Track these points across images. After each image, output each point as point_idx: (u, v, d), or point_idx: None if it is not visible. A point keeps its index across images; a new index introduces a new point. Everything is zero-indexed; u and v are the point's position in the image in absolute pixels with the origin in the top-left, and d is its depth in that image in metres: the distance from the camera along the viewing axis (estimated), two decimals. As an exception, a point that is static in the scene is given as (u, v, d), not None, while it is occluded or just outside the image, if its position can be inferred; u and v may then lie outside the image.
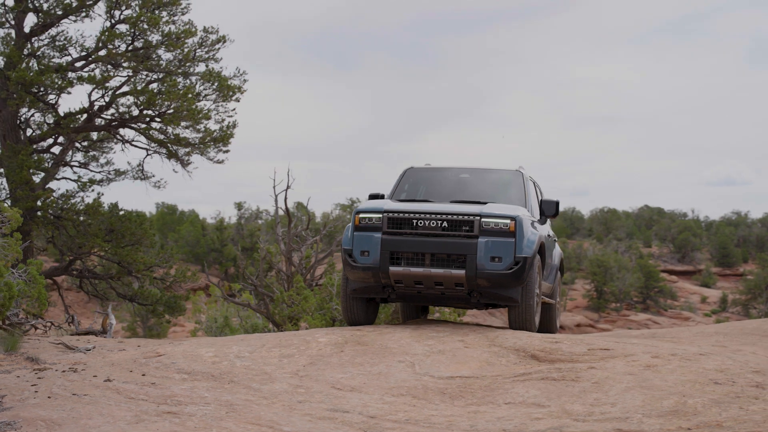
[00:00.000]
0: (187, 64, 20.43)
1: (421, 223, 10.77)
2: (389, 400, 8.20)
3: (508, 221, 10.68)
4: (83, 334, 16.49)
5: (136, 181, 22.31)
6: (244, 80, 20.97)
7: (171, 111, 19.47)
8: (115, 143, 22.03)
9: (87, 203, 20.41)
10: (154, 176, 22.21)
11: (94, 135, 22.40)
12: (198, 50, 20.65)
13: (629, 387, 8.22)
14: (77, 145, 22.22)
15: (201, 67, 20.87)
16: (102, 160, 22.88)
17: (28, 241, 18.55)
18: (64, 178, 22.60)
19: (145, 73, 20.22)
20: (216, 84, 20.37)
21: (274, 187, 23.34)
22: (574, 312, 67.86)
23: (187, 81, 20.44)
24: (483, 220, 10.68)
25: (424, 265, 10.69)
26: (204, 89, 20.50)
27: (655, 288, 76.51)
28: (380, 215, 10.90)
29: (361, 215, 11.01)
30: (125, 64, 19.91)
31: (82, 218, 20.41)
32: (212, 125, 20.70)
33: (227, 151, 21.05)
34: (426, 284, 10.78)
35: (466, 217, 10.71)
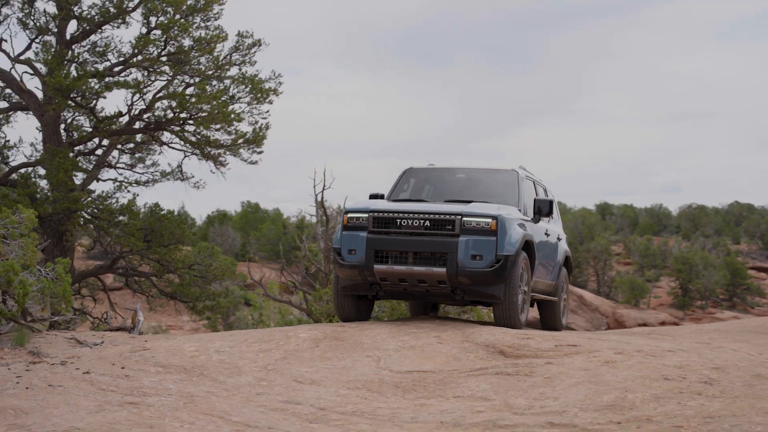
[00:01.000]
0: (225, 68, 21.01)
1: (404, 222, 11.07)
2: (343, 393, 8.53)
3: (489, 220, 10.92)
4: (115, 330, 17.11)
5: (176, 182, 23.00)
6: (279, 83, 21.50)
7: (203, 114, 20.05)
8: (156, 145, 22.69)
9: (122, 204, 21.11)
10: (193, 177, 22.91)
11: (137, 137, 23.12)
12: (234, 54, 21.24)
13: (578, 382, 8.42)
14: (122, 147, 22.96)
15: (236, 71, 21.44)
16: (148, 162, 23.65)
17: (48, 240, 19.29)
18: (110, 179, 23.42)
19: (181, 77, 20.85)
20: (249, 87, 20.89)
21: (314, 186, 23.80)
22: (658, 309, 67.09)
23: (222, 84, 21.01)
24: (464, 219, 10.94)
25: (407, 263, 10.99)
26: (237, 92, 21.07)
27: (742, 285, 75.10)
28: (366, 215, 11.23)
29: (349, 215, 11.36)
30: (160, 69, 20.56)
31: (120, 218, 21.11)
32: (245, 127, 21.23)
33: (261, 152, 21.60)
34: (410, 282, 11.07)
35: (447, 216, 10.98)
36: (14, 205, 18.70)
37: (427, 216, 11.03)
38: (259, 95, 20.97)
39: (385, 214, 11.17)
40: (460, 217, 10.96)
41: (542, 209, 12.33)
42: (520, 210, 12.07)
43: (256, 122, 21.42)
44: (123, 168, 23.27)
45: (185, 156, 22.17)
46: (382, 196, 12.70)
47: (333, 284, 11.95)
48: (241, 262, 53.10)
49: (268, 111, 21.53)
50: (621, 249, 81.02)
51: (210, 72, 20.86)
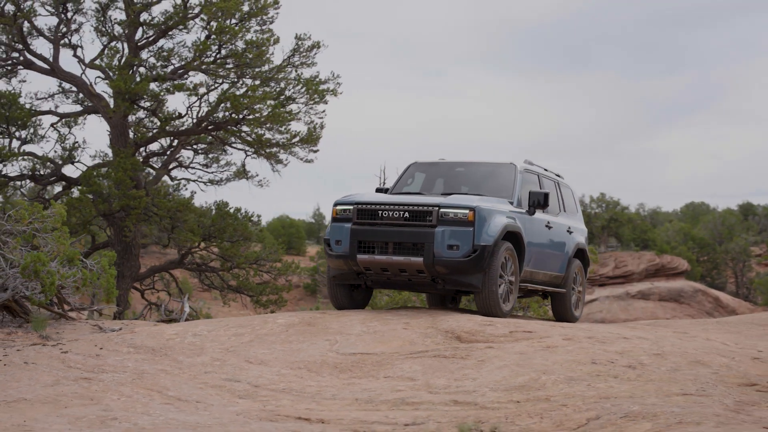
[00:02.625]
0: (286, 69, 21.78)
1: (385, 213, 11.50)
2: (284, 372, 9.04)
3: (466, 211, 11.25)
4: (167, 321, 18.04)
5: (241, 181, 23.93)
6: (338, 83, 22.14)
7: (256, 115, 20.85)
8: (223, 146, 23.61)
9: (178, 201, 22.06)
10: (257, 175, 23.77)
11: (208, 139, 24.11)
12: (294, 57, 21.97)
13: (505, 365, 8.73)
14: (196, 148, 24.00)
15: (303, 73, 22.21)
16: (222, 162, 24.64)
17: (84, 234, 20.35)
18: (184, 178, 24.56)
19: (242, 81, 21.70)
20: (304, 88, 21.59)
21: (383, 183, 24.41)
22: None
23: (279, 86, 21.76)
24: (441, 210, 11.30)
25: (388, 253, 11.42)
26: (294, 93, 21.78)
27: None
28: (351, 207, 11.71)
29: (337, 207, 11.87)
30: (223, 72, 21.44)
31: (187, 216, 22.08)
32: (300, 127, 22.00)
33: (316, 151, 22.27)
34: (392, 271, 11.50)
35: (425, 207, 11.36)
36: (77, 203, 19.90)
37: (406, 207, 11.44)
38: (315, 96, 21.66)
39: (368, 206, 11.62)
40: (437, 208, 11.32)
41: (538, 201, 12.55)
42: (512, 202, 12.33)
43: (312, 122, 22.14)
44: (197, 168, 24.33)
45: (246, 155, 23.08)
46: (386, 190, 13.16)
47: (326, 274, 12.47)
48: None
49: (323, 111, 22.22)
50: (763, 250, 78.84)
51: (270, 74, 21.61)
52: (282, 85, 21.83)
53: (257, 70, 21.26)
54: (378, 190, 13.21)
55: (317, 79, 21.94)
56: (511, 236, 11.98)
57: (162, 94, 21.44)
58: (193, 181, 23.67)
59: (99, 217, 22.09)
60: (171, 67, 22.00)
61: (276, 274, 23.85)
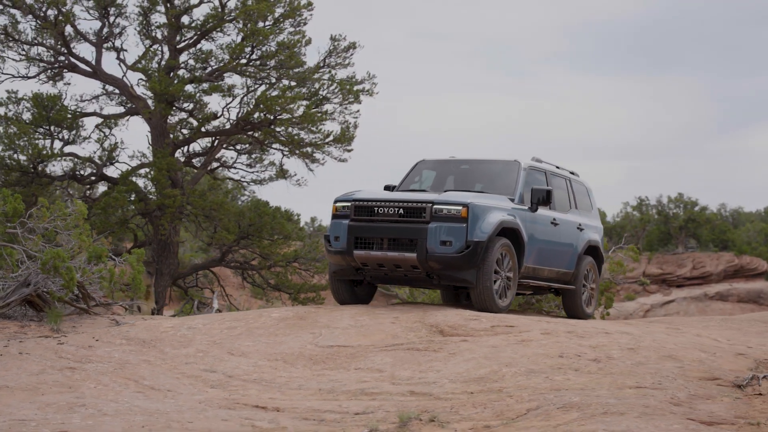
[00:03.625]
0: (320, 71, 22.11)
1: (381, 210, 11.70)
2: (260, 363, 9.29)
3: (459, 207, 11.40)
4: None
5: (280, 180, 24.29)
6: (374, 84, 22.39)
7: (288, 115, 21.18)
8: (263, 146, 24.01)
9: (212, 200, 22.47)
10: (295, 175, 24.12)
11: (246, 139, 24.57)
12: (330, 57, 22.26)
13: (472, 358, 8.88)
14: (240, 148, 24.46)
15: (340, 73, 22.54)
16: (266, 162, 25.04)
17: (108, 231, 20.82)
18: (228, 178, 24.98)
19: (280, 81, 22.08)
20: (338, 88, 21.86)
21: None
22: None
23: (314, 87, 22.07)
24: (435, 206, 11.46)
25: (383, 248, 11.61)
26: (328, 93, 22.07)
27: None
28: (349, 204, 11.93)
29: (337, 204, 12.10)
30: (257, 74, 21.86)
31: (224, 216, 22.53)
32: (334, 126, 22.28)
33: (350, 150, 22.54)
34: (388, 267, 11.69)
35: (420, 204, 11.53)
36: (114, 202, 20.45)
37: (401, 204, 11.62)
38: (349, 96, 21.93)
39: (365, 203, 11.83)
40: (431, 204, 11.48)
41: (540, 198, 12.62)
42: (513, 199, 12.42)
43: (346, 121, 22.42)
44: (240, 168, 24.81)
45: (283, 155, 23.44)
46: (394, 187, 13.35)
47: (328, 269, 12.72)
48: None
49: (358, 111, 22.47)
50: None
51: (305, 75, 21.92)
52: (317, 85, 22.14)
53: (295, 71, 21.60)
54: (386, 188, 13.40)
55: (353, 80, 22.23)
56: (509, 232, 12.07)
57: (198, 95, 21.95)
58: (236, 180, 24.14)
59: (138, 216, 22.66)
60: (209, 69, 22.47)
61: (315, 272, 24.20)
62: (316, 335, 10.22)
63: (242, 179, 24.69)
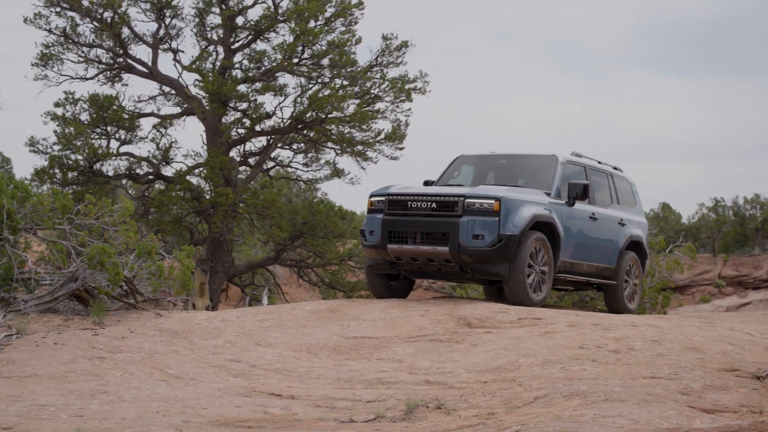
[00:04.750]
0: (375, 69, 22.22)
1: (414, 204, 11.75)
2: (285, 354, 9.41)
3: (492, 201, 11.40)
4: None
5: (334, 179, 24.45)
6: (426, 82, 22.43)
7: (339, 113, 21.31)
8: (310, 145, 24.17)
9: (263, 198, 22.65)
10: (349, 173, 24.22)
11: (302, 138, 24.77)
12: (382, 56, 22.36)
13: (494, 349, 8.89)
14: (296, 148, 24.67)
15: (392, 72, 22.63)
16: (321, 161, 25.22)
17: (155, 229, 21.11)
18: (283, 177, 25.18)
19: (334, 81, 22.26)
20: (389, 86, 21.94)
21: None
22: None
23: (365, 85, 22.18)
24: (467, 200, 11.47)
25: (416, 242, 11.66)
26: (380, 92, 22.16)
27: None
28: (383, 198, 12.00)
29: (372, 199, 12.18)
30: (309, 74, 22.04)
31: (275, 212, 22.73)
32: (386, 124, 22.36)
33: (402, 148, 22.59)
34: (421, 261, 11.73)
35: (452, 198, 11.55)
36: (168, 200, 20.78)
37: (434, 198, 11.66)
38: (400, 94, 22.00)
39: (398, 197, 11.89)
40: (463, 198, 11.50)
41: (577, 193, 12.53)
42: (549, 193, 12.37)
43: (397, 120, 22.49)
44: (297, 167, 25.05)
45: (336, 154, 23.59)
46: (433, 182, 13.39)
47: (365, 263, 12.80)
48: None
49: (409, 109, 22.54)
50: None
51: (358, 74, 22.06)
52: (368, 84, 22.24)
53: (348, 70, 21.74)
54: (426, 183, 13.42)
55: (405, 78, 22.29)
56: (544, 226, 12.02)
57: (250, 95, 22.20)
58: (293, 179, 24.34)
59: (192, 214, 22.98)
60: (262, 69, 22.72)
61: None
62: (344, 327, 10.31)
63: (299, 178, 24.89)
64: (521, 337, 9.26)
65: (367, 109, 21.69)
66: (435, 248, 11.53)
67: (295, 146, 24.67)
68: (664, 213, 62.72)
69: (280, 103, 22.69)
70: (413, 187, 12.36)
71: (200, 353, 9.59)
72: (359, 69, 22.17)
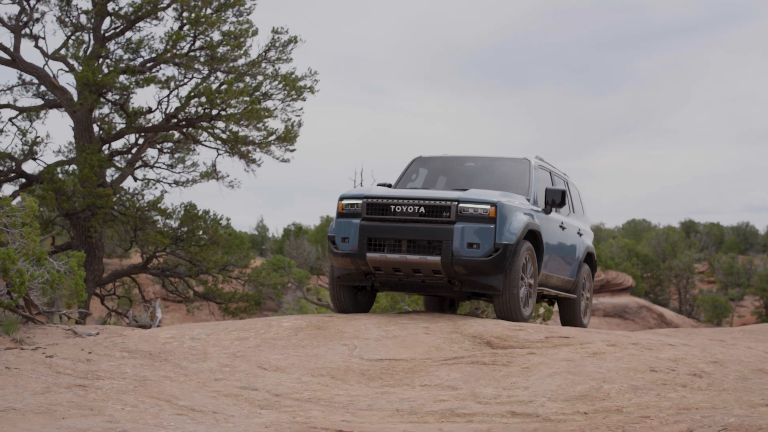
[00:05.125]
0: (260, 65, 20.73)
1: (398, 208, 10.56)
2: (305, 380, 8.05)
3: (487, 207, 10.36)
4: (138, 327, 16.91)
5: (211, 181, 22.80)
6: (315, 80, 21.13)
7: (231, 110, 19.76)
8: (193, 144, 22.46)
9: (147, 201, 20.88)
10: (228, 176, 22.63)
11: (174, 137, 22.98)
12: (270, 51, 20.93)
13: (555, 372, 7.84)
14: (160, 147, 22.82)
15: (276, 67, 21.14)
16: (188, 162, 23.45)
17: (54, 232, 19.18)
18: (149, 179, 23.26)
19: (215, 74, 20.62)
20: (282, 84, 20.57)
21: (355, 186, 23.44)
22: (742, 329, 65.30)
23: (252, 81, 20.73)
24: (461, 205, 10.39)
25: (401, 251, 10.47)
26: (271, 89, 20.74)
27: (832, 304, 72.74)
28: (360, 201, 10.74)
29: (344, 201, 10.88)
30: (192, 65, 20.33)
31: (154, 216, 20.92)
32: (277, 124, 20.96)
33: (293, 150, 21.23)
34: (404, 271, 10.55)
35: (443, 202, 10.44)
36: (39, 201, 18.63)
37: (422, 202, 10.50)
38: (292, 92, 20.64)
39: (379, 200, 10.67)
40: (456, 203, 10.41)
41: (554, 200, 11.69)
42: (529, 200, 11.47)
43: (289, 119, 21.09)
44: (162, 168, 23.12)
45: (218, 154, 21.92)
46: (389, 185, 12.21)
47: (329, 274, 11.47)
48: (315, 275, 52.84)
49: (301, 108, 21.19)
50: (705, 267, 79.04)
51: (244, 69, 20.57)
52: (258, 79, 20.76)
53: (232, 64, 20.21)
54: (380, 185, 12.22)
55: (293, 76, 20.93)
56: (531, 235, 11.11)
57: (132, 87, 20.20)
58: (158, 181, 22.40)
59: (61, 217, 20.75)
60: (140, 60, 20.83)
61: (245, 281, 22.72)
62: (351, 347, 9.02)
63: (164, 179, 22.97)
64: (572, 359, 8.26)
65: (260, 107, 20.15)
66: (424, 258, 10.36)
67: (163, 145, 22.81)
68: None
69: (163, 97, 20.79)
70: (395, 189, 11.17)
71: (199, 379, 8.09)
72: (249, 63, 20.61)
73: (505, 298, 10.61)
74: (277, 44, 20.96)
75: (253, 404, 7.43)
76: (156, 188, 22.00)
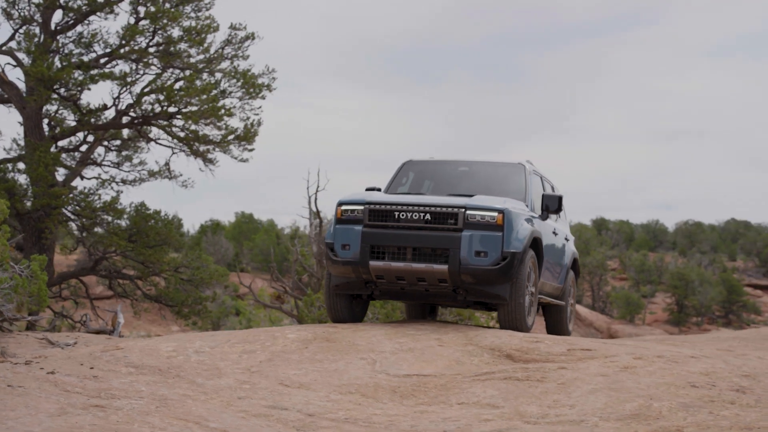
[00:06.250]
0: (216, 61, 20.14)
1: (403, 215, 10.22)
2: (335, 398, 7.68)
3: (495, 214, 10.08)
4: (94, 333, 16.23)
5: (164, 180, 22.12)
6: (273, 78, 20.62)
7: (192, 108, 19.16)
8: (145, 142, 21.77)
9: (104, 201, 20.16)
10: (181, 175, 21.97)
11: (124, 134, 22.26)
12: (226, 47, 20.37)
13: (596, 389, 7.58)
14: (108, 144, 22.06)
15: (230, 65, 20.57)
16: (135, 160, 22.73)
17: (21, 235, 18.43)
18: (94, 177, 22.42)
19: (170, 70, 19.98)
20: (241, 81, 20.04)
21: (307, 188, 22.98)
22: (653, 326, 66.29)
23: (212, 78, 20.15)
24: (468, 212, 10.09)
25: (406, 259, 10.14)
26: (229, 86, 20.20)
27: (738, 302, 74.32)
28: (362, 207, 10.38)
29: (343, 207, 10.50)
30: (148, 61, 19.68)
31: (107, 216, 20.19)
32: (236, 123, 20.37)
33: (252, 150, 20.72)
34: (408, 280, 10.22)
35: (450, 209, 10.13)
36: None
37: (427, 209, 10.18)
38: (251, 90, 20.10)
39: (383, 207, 10.32)
40: (463, 210, 10.11)
41: (550, 206, 11.47)
42: (527, 206, 11.24)
43: (248, 118, 20.55)
44: (108, 166, 22.32)
45: (173, 153, 21.24)
46: (379, 190, 11.84)
47: (325, 282, 11.07)
48: (233, 272, 52.16)
49: (260, 107, 20.66)
50: (617, 264, 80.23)
51: (201, 65, 19.98)
52: (217, 76, 20.18)
53: (189, 60, 19.60)
54: (368, 190, 11.83)
55: (250, 73, 20.39)
56: (534, 243, 10.87)
57: (86, 82, 19.42)
58: (113, 181, 21.59)
59: (11, 218, 19.87)
60: (93, 55, 20.08)
61: (198, 283, 22.06)
62: (370, 361, 8.66)
63: (111, 178, 22.11)
64: (606, 373, 8.02)
65: (220, 104, 19.56)
66: (431, 266, 10.04)
67: (111, 143, 22.04)
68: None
69: (120, 94, 19.98)
70: (397, 195, 10.82)
71: (221, 398, 7.65)
72: (206, 60, 19.99)
73: (511, 308, 10.36)
74: (234, 40, 20.42)
75: (287, 425, 7.03)
76: (111, 188, 21.20)
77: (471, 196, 10.71)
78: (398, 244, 10.14)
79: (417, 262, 10.09)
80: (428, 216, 10.16)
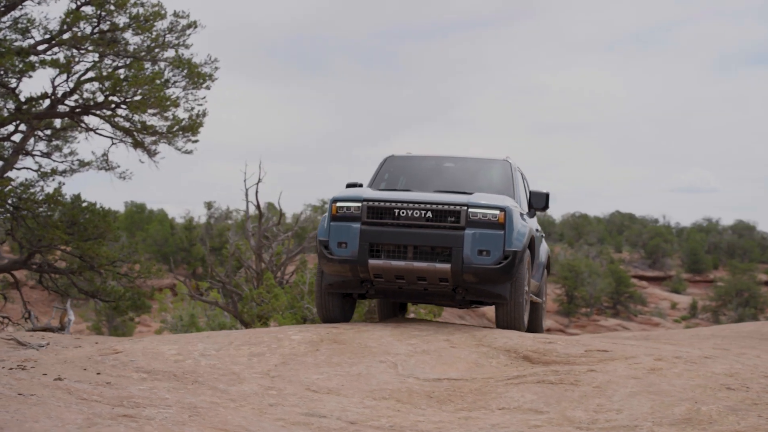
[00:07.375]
0: (156, 50, 19.53)
1: (403, 213, 9.99)
2: (370, 404, 7.42)
3: (497, 212, 9.94)
4: (40, 331, 15.58)
5: (100, 172, 21.42)
6: (216, 68, 20.09)
7: (138, 97, 18.54)
8: (79, 132, 21.03)
9: (47, 193, 19.38)
10: (119, 167, 21.27)
11: (57, 123, 21.45)
12: (168, 35, 19.77)
13: (634, 392, 7.48)
14: (39, 133, 21.23)
15: (170, 53, 20.00)
16: (65, 150, 21.93)
17: None
18: (25, 168, 21.52)
19: (112, 58, 19.30)
20: (185, 71, 19.47)
21: (245, 180, 22.55)
22: (546, 316, 67.47)
23: (156, 67, 19.52)
24: (470, 210, 9.92)
25: (406, 258, 9.92)
26: (173, 76, 19.61)
27: (626, 293, 76.29)
28: (359, 204, 10.11)
29: (339, 204, 10.22)
30: (90, 48, 18.96)
31: (41, 209, 19.40)
32: (181, 113, 19.77)
33: (196, 141, 20.13)
34: (408, 279, 10.00)
35: (452, 207, 9.95)
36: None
37: (429, 206, 9.97)
38: (195, 80, 19.55)
39: (382, 204, 10.07)
40: (466, 207, 9.93)
41: (538, 203, 11.39)
42: (516, 203, 11.13)
43: (192, 108, 19.98)
44: (39, 156, 21.47)
45: (113, 143, 20.53)
46: (360, 185, 11.57)
47: (316, 281, 10.77)
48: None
49: (204, 97, 20.09)
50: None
51: (143, 53, 19.32)
52: (161, 66, 19.53)
53: (130, 48, 18.95)
54: (349, 186, 11.55)
55: (194, 62, 19.82)
56: (530, 242, 10.77)
57: (26, 70, 18.57)
58: (54, 172, 20.70)
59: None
60: (31, 41, 19.24)
61: (134, 277, 21.40)
62: (390, 365, 8.42)
63: (52, 169, 21.20)
64: (637, 376, 7.94)
65: (167, 94, 18.92)
66: (432, 265, 9.84)
67: (43, 132, 21.17)
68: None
69: (62, 82, 19.15)
70: (396, 192, 10.57)
71: (252, 405, 7.32)
72: (148, 47, 19.33)
73: (510, 307, 10.24)
74: (176, 28, 19.80)
75: (332, 434, 6.75)
76: (53, 180, 20.36)
77: (469, 193, 10.53)
78: (399, 243, 9.92)
79: (418, 260, 9.88)
80: (429, 214, 9.96)
